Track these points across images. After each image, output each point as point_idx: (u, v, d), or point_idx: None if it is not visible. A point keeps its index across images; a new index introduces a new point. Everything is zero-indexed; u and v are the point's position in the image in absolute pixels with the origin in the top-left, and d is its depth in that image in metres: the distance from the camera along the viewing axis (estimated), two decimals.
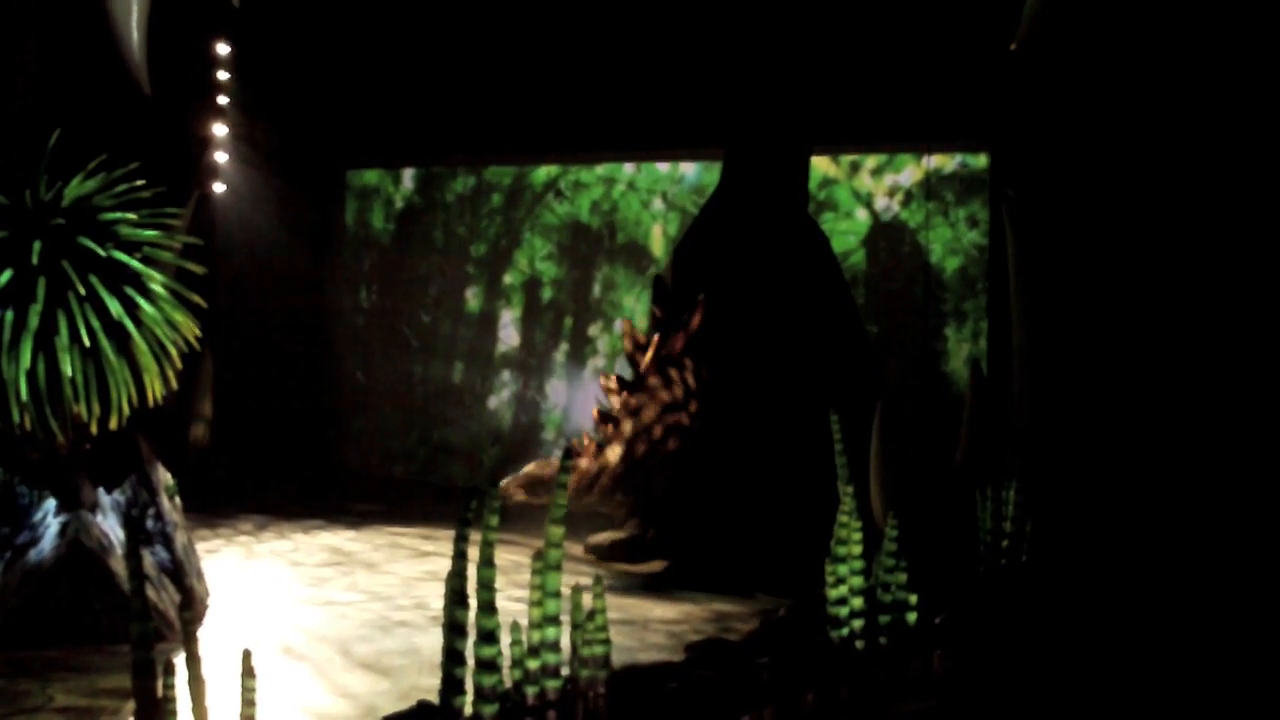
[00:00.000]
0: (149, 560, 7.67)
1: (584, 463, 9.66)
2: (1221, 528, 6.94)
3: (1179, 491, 7.07)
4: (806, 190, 11.56)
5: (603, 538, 9.89)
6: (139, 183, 7.97)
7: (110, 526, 7.59)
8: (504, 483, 9.49)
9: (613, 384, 9.94)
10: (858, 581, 6.12)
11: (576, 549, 9.63)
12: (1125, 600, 6.82)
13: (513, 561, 9.73)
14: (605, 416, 9.78)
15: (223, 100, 13.15)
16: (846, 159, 13.21)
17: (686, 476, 9.76)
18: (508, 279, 14.59)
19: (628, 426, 9.65)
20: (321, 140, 14.66)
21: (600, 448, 9.65)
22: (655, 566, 9.78)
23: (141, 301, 7.71)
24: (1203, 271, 7.20)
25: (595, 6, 12.93)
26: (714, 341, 10.13)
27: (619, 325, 10.61)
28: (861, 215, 13.19)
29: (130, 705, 4.47)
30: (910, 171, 13.02)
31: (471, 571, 4.62)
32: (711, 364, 10.06)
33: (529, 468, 9.61)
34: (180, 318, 7.96)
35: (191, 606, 7.91)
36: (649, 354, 9.88)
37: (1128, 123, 7.45)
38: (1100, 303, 7.48)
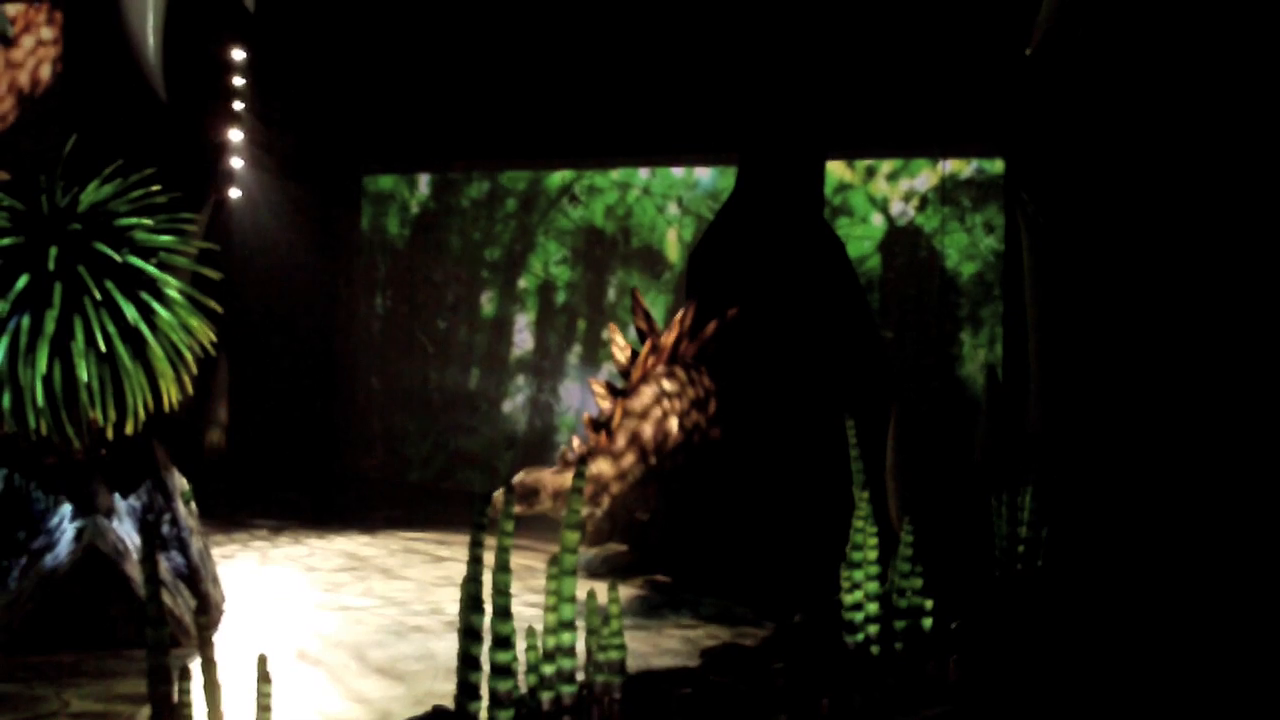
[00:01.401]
0: (165, 565, 7.68)
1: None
2: (1236, 534, 6.92)
3: (1194, 498, 7.05)
4: (822, 195, 11.56)
5: (594, 553, 9.78)
6: (155, 188, 7.99)
7: (126, 532, 7.60)
8: (496, 495, 8.98)
9: (602, 389, 9.74)
10: (873, 587, 6.11)
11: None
12: (1140, 606, 6.80)
13: (527, 566, 9.72)
14: (597, 424, 9.61)
15: (238, 106, 13.18)
16: (862, 164, 13.19)
17: (704, 481, 9.71)
18: (522, 283, 14.60)
19: (638, 429, 9.47)
20: (337, 146, 14.69)
21: (592, 453, 9.40)
22: (656, 579, 9.71)
23: (157, 307, 7.72)
24: (1219, 277, 7.18)
25: (611, 12, 12.94)
26: (729, 345, 10.11)
27: (632, 329, 10.46)
28: (877, 220, 13.17)
29: (146, 710, 4.49)
30: (926, 176, 13.00)
31: (487, 577, 4.62)
32: (727, 368, 10.04)
33: (519, 476, 9.22)
34: (196, 323, 7.97)
35: (207, 612, 7.94)
36: (639, 365, 9.71)
37: (1142, 127, 7.44)
38: (1115, 308, 7.46)
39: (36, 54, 12.66)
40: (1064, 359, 7.62)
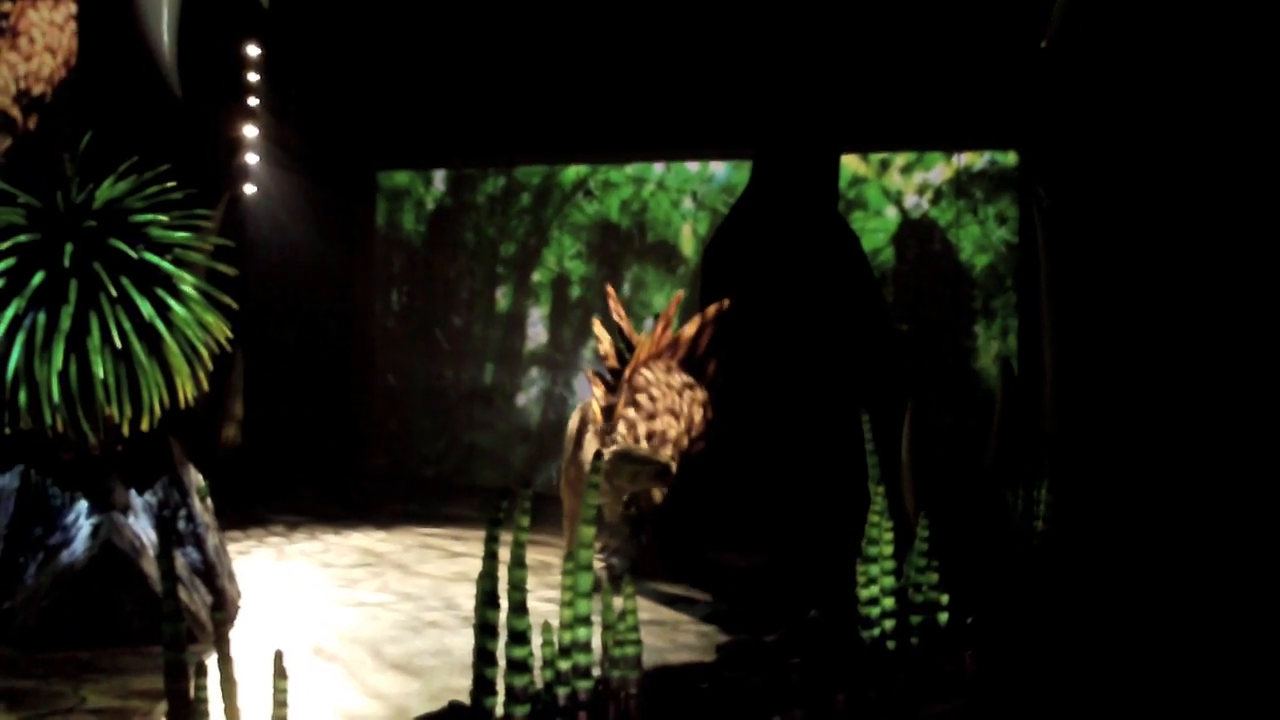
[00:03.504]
0: (181, 561, 7.69)
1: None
2: (1257, 533, 6.90)
3: (1212, 495, 7.03)
4: (836, 189, 11.55)
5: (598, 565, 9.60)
6: (170, 184, 8.00)
7: (142, 528, 7.61)
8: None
9: (596, 380, 9.42)
10: (889, 582, 6.10)
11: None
12: (1155, 602, 6.78)
13: (543, 562, 9.72)
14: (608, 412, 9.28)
15: (253, 102, 13.18)
16: (876, 157, 13.17)
17: (715, 477, 9.65)
18: (536, 277, 14.60)
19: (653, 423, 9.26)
20: (352, 142, 14.69)
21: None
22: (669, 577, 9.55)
23: (173, 303, 7.73)
24: (1238, 273, 7.15)
25: (626, 7, 12.93)
26: (744, 340, 10.08)
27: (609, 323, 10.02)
28: (891, 213, 13.16)
29: (162, 706, 4.49)
30: (940, 169, 12.98)
31: (502, 572, 4.62)
32: (740, 362, 9.99)
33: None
34: (211, 319, 7.99)
35: (223, 608, 7.96)
36: (631, 365, 9.39)
37: (1160, 120, 7.42)
38: (1131, 303, 7.44)
39: (48, 47, 12.67)
40: (1079, 354, 7.60)
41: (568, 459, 9.74)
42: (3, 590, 7.38)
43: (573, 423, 9.82)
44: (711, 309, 9.79)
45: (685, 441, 9.32)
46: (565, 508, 9.76)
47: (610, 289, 9.92)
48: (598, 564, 9.53)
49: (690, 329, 9.69)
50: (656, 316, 10.00)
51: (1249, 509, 6.86)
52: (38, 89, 12.59)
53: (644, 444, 8.99)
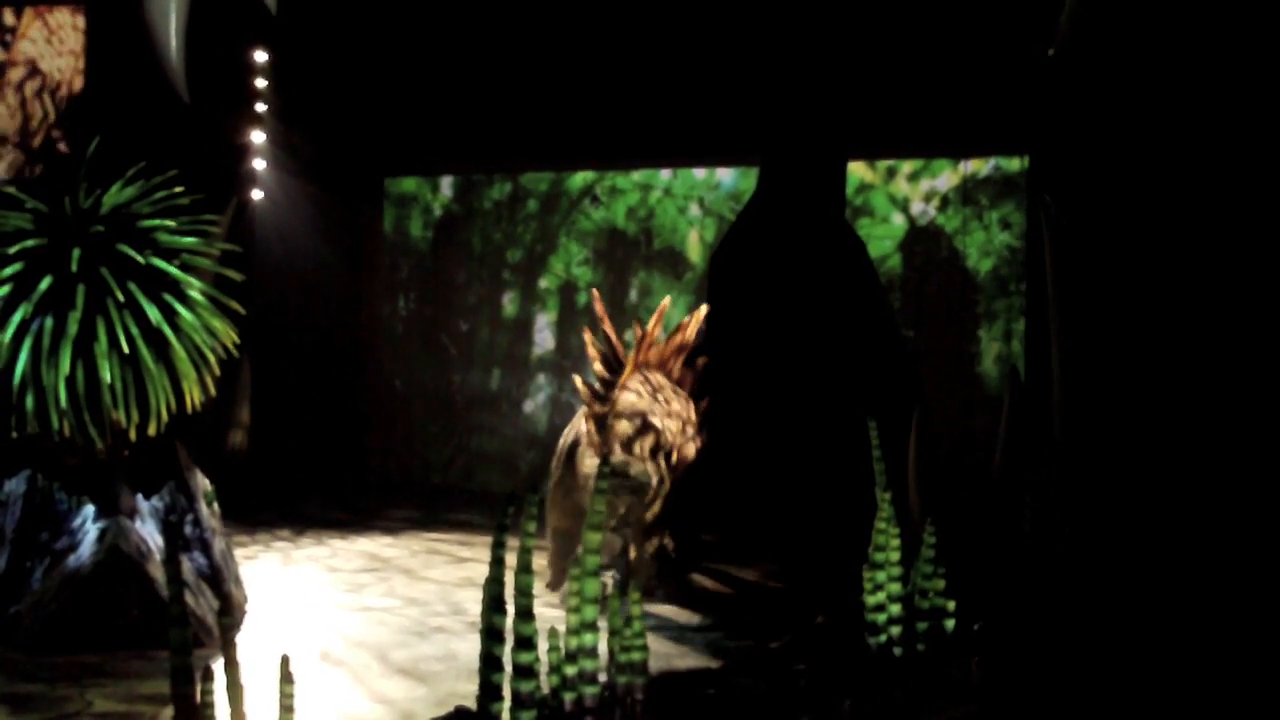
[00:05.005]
0: (187, 566, 7.69)
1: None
2: (1268, 538, 6.88)
3: (1223, 499, 7.01)
4: (844, 196, 11.54)
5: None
6: (178, 190, 8.00)
7: (149, 532, 7.61)
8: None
9: (586, 391, 9.08)
10: (895, 588, 6.10)
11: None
12: (1164, 609, 6.77)
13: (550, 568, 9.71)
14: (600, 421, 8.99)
15: (261, 108, 13.20)
16: (883, 164, 13.17)
17: (719, 485, 9.59)
18: (543, 283, 14.60)
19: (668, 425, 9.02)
20: (360, 148, 14.69)
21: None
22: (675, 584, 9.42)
23: (180, 308, 7.74)
24: (1246, 278, 7.14)
25: (633, 15, 12.93)
26: (750, 346, 10.06)
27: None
28: (898, 220, 13.15)
29: (169, 711, 4.49)
30: (947, 176, 12.98)
31: (509, 578, 4.62)
32: (746, 368, 9.96)
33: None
34: (219, 324, 7.99)
35: (230, 612, 7.92)
36: (627, 372, 9.06)
37: (1167, 127, 7.41)
38: (1139, 309, 7.43)
39: (72, 50, 12.70)
40: (1087, 359, 7.59)
41: (555, 480, 9.42)
42: (9, 594, 7.39)
43: (563, 443, 9.55)
44: (699, 314, 9.51)
45: (676, 455, 9.10)
46: (550, 526, 9.42)
47: (595, 293, 9.63)
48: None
49: (692, 332, 9.39)
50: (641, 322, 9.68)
51: (1261, 516, 6.84)
52: (62, 90, 12.63)
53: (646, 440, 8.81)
